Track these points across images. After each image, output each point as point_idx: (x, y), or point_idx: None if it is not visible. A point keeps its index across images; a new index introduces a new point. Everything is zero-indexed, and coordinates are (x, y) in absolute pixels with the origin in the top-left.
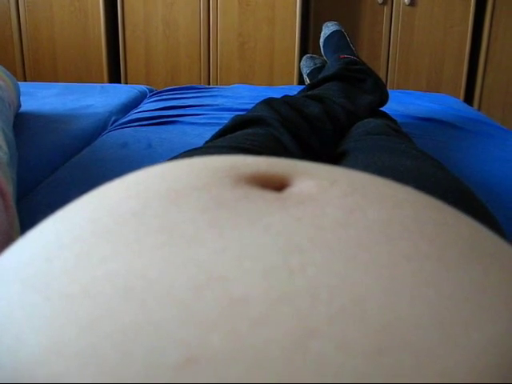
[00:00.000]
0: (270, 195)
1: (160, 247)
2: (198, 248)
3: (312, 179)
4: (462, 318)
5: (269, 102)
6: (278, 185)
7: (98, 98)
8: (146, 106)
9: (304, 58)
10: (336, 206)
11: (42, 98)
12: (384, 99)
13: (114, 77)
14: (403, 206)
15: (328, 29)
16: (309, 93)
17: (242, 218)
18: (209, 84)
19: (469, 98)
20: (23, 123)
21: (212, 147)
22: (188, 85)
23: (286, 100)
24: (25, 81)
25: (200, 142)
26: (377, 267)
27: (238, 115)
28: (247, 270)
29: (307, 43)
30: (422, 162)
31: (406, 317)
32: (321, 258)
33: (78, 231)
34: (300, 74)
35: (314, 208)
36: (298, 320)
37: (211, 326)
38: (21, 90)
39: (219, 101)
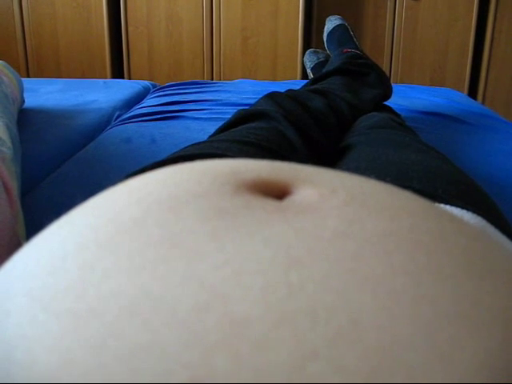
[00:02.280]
0: (271, 204)
1: (161, 261)
2: (198, 262)
3: (313, 187)
4: (457, 335)
5: (272, 96)
6: (279, 192)
7: (102, 94)
8: (150, 101)
9: (307, 52)
10: (335, 216)
11: (45, 93)
12: (388, 93)
13: (118, 72)
14: (401, 216)
15: (331, 23)
16: (312, 87)
17: (242, 230)
18: (212, 79)
19: (473, 92)
20: (27, 119)
21: (215, 141)
22: (191, 80)
23: (289, 94)
24: (28, 77)
25: (203, 137)
26: (374, 282)
27: (242, 109)
28: (247, 286)
29: (310, 37)
30: (427, 156)
31: (401, 337)
32: (319, 272)
33: (81, 239)
34: (303, 69)
35: (313, 218)
36: (298, 342)
37: (215, 348)
38: (24, 86)
39: (222, 96)
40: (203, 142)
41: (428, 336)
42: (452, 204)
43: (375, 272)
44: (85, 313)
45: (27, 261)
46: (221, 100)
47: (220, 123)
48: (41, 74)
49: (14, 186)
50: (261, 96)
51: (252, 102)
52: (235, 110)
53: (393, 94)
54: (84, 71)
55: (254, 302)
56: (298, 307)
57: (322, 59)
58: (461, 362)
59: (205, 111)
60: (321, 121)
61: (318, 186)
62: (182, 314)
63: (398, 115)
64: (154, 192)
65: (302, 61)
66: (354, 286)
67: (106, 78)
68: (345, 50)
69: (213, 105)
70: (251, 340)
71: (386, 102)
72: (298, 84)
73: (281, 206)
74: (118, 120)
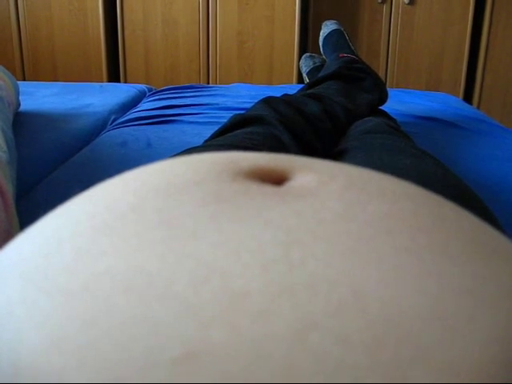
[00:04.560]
0: (269, 189)
1: (159, 242)
2: (197, 242)
3: (311, 173)
4: (464, 309)
5: (268, 101)
6: (277, 179)
7: (98, 97)
8: (146, 105)
9: (303, 57)
10: (336, 199)
11: (41, 97)
12: (383, 98)
13: (114, 76)
14: (402, 200)
15: (327, 28)
16: (308, 92)
17: (242, 212)
18: (208, 83)
19: (468, 97)
20: (23, 122)
21: (211, 146)
22: (187, 84)
23: (285, 99)
24: (24, 80)
25: (199, 141)
26: (377, 259)
27: (238, 114)
28: (247, 263)
29: (306, 42)
30: (422, 161)
31: (406, 309)
32: (321, 251)
33: (77, 226)
34: (299, 73)
35: (313, 202)
36: (298, 313)
37: (211, 321)
38: (20, 89)
39: (218, 100)
40: (198, 147)
41: (434, 309)
42: None
43: (378, 250)
44: (77, 289)
45: (22, 247)
46: (217, 104)
47: (216, 127)
48: (37, 77)
49: (10, 189)
50: (257, 100)
51: (248, 106)
52: (231, 114)
53: (388, 99)
54: (80, 74)
55: (253, 277)
56: (299, 280)
57: (317, 64)
58: (470, 334)
59: (201, 115)
60: (316, 125)
61: (316, 173)
62: (178, 288)
63: (393, 120)
64: (151, 181)
65: (298, 65)
66: (357, 262)
67: (102, 81)
68: (341, 55)
69: (209, 109)
70: (250, 312)
71: (381, 107)
72: (293, 88)
73: (280, 190)
74: (114, 124)
